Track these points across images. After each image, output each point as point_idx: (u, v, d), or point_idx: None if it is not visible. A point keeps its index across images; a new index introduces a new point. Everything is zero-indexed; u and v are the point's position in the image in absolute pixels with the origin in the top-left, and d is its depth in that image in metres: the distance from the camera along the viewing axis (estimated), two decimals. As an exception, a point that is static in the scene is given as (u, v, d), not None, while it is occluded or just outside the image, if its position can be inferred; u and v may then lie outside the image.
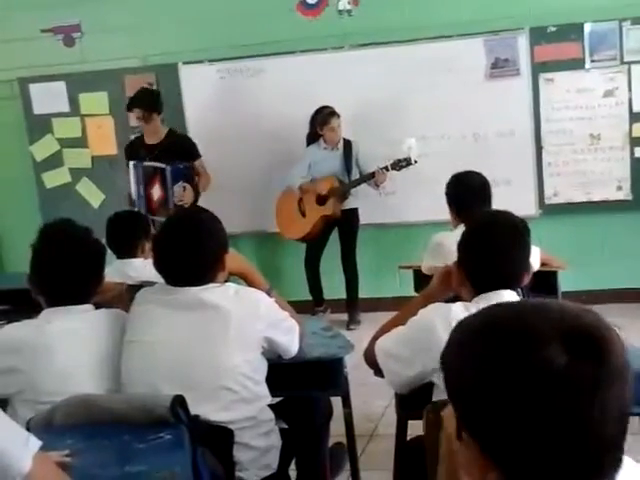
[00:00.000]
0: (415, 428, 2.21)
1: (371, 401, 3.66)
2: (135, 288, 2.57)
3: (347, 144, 5.44)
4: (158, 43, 5.87)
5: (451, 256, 2.16)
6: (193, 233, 2.23)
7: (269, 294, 2.37)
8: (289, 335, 2.34)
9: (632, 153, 5.37)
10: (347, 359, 2.56)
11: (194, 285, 2.19)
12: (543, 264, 3.34)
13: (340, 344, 2.61)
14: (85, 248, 2.27)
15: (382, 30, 5.52)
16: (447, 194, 3.39)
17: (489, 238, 2.05)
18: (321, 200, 5.45)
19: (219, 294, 2.19)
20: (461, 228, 2.62)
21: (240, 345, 2.15)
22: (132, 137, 5.46)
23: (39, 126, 6.15)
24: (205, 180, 5.20)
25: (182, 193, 4.94)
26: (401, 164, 5.19)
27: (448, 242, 2.87)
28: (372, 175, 5.28)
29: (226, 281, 2.30)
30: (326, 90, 5.50)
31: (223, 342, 2.13)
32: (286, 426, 2.35)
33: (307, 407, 2.51)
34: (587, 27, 5.29)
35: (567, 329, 0.87)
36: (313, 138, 5.48)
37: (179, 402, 1.84)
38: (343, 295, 5.65)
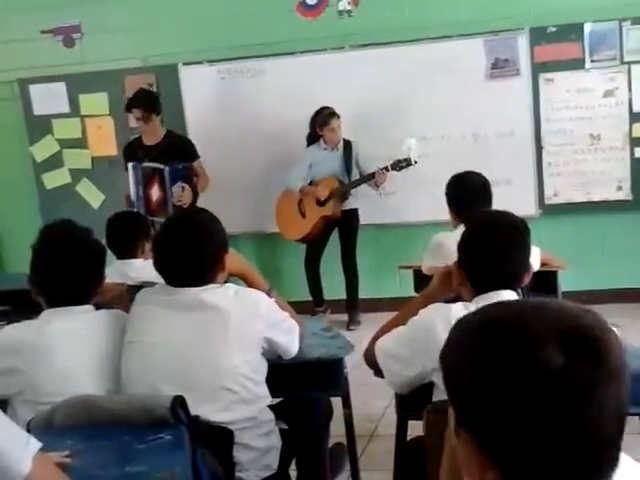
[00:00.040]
0: (415, 428, 2.21)
1: (371, 401, 3.66)
2: (135, 289, 2.57)
3: (347, 144, 5.44)
4: (158, 44, 5.87)
5: (451, 256, 2.17)
6: (193, 233, 2.23)
7: (269, 294, 2.37)
8: (289, 335, 2.34)
9: (632, 153, 5.37)
10: (347, 359, 2.56)
11: (194, 286, 2.19)
12: (543, 264, 3.34)
13: (340, 344, 2.61)
14: (85, 249, 2.27)
15: (382, 30, 5.52)
16: (447, 194, 3.39)
17: (489, 238, 2.05)
18: (321, 201, 5.45)
19: (219, 295, 2.19)
20: (461, 228, 2.62)
21: (240, 346, 2.15)
22: (131, 138, 5.46)
23: (39, 127, 6.15)
24: (204, 181, 5.20)
25: (181, 193, 4.94)
26: (401, 164, 5.19)
27: (448, 242, 2.87)
28: (372, 175, 5.28)
29: (226, 282, 2.30)
30: (326, 91, 5.50)
31: (223, 343, 2.13)
32: (286, 427, 2.35)
33: (307, 407, 2.51)
34: (587, 27, 5.29)
35: (565, 330, 0.87)
36: (313, 139, 5.48)
37: (179, 403, 1.84)
38: (343, 295, 5.65)
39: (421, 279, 3.36)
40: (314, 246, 5.62)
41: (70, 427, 1.87)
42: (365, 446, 3.38)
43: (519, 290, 2.07)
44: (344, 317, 5.60)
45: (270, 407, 2.28)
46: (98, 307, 2.31)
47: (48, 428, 1.88)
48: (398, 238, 5.72)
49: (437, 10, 5.49)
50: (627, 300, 5.26)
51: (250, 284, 2.46)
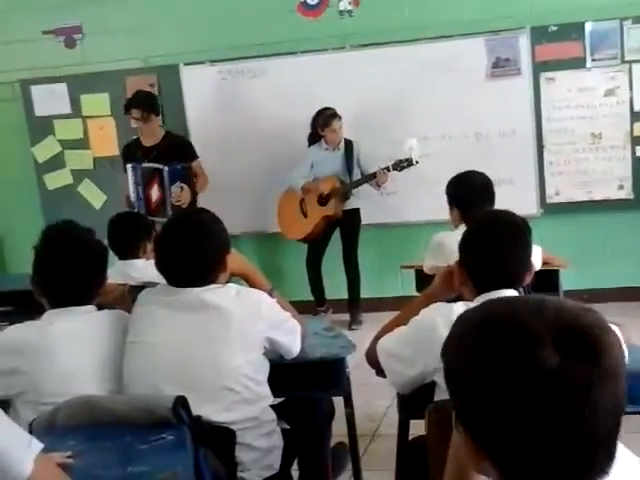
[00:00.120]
0: (417, 428, 2.21)
1: (373, 401, 3.66)
2: (137, 289, 2.57)
3: (348, 144, 5.44)
4: (159, 44, 5.87)
5: (452, 256, 2.16)
6: (195, 234, 2.23)
7: (271, 294, 2.37)
8: (291, 335, 2.34)
9: (633, 152, 5.37)
10: (349, 359, 2.56)
11: (196, 286, 2.19)
12: (545, 263, 3.34)
13: (342, 344, 2.61)
14: (87, 249, 2.27)
15: (383, 30, 5.52)
16: (449, 194, 3.37)
17: (490, 237, 2.05)
18: (323, 200, 5.45)
19: (221, 295, 2.19)
20: (462, 228, 2.61)
21: (242, 346, 2.15)
22: (129, 140, 5.46)
23: (40, 128, 6.16)
24: (203, 181, 5.21)
25: (179, 194, 4.94)
26: (402, 165, 5.19)
27: (449, 242, 2.87)
28: (374, 175, 5.29)
29: (228, 282, 2.30)
30: (327, 91, 5.50)
31: (225, 343, 2.13)
32: (288, 426, 2.35)
33: (309, 407, 2.51)
34: (588, 26, 5.29)
35: (562, 329, 0.88)
36: (314, 139, 5.48)
37: (181, 403, 1.85)
38: (345, 295, 5.65)
39: (423, 279, 3.36)
40: (316, 246, 5.62)
41: (72, 427, 1.87)
42: (367, 446, 3.38)
43: (521, 289, 2.07)
44: (346, 317, 5.60)
45: (272, 407, 2.28)
46: (100, 307, 2.32)
47: (50, 428, 1.88)
48: (400, 238, 5.72)
49: (438, 10, 5.49)
50: (628, 299, 5.26)
51: (252, 284, 2.46)
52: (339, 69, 5.57)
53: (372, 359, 2.20)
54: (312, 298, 5.69)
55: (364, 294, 5.65)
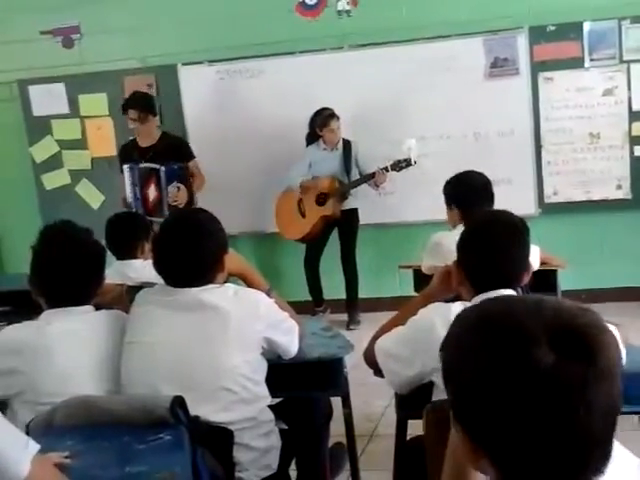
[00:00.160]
0: (415, 428, 2.21)
1: (371, 401, 3.66)
2: (135, 289, 2.57)
3: (347, 144, 5.44)
4: (157, 44, 5.87)
5: (450, 255, 2.16)
6: (192, 234, 2.23)
7: (269, 294, 2.37)
8: (289, 335, 2.34)
9: (632, 152, 5.37)
10: (347, 359, 2.56)
11: (194, 286, 2.19)
12: (543, 263, 3.34)
13: (340, 344, 2.61)
14: (85, 249, 2.27)
15: (381, 30, 5.52)
16: (449, 194, 3.36)
17: (488, 237, 2.05)
18: (321, 200, 5.45)
19: (218, 295, 2.19)
20: (460, 228, 2.62)
21: (240, 346, 2.15)
22: (126, 140, 5.45)
23: (38, 128, 6.15)
24: (199, 181, 5.21)
25: (176, 194, 4.95)
26: (401, 165, 5.19)
27: (447, 242, 2.87)
28: (372, 176, 5.29)
29: (225, 282, 2.30)
30: (325, 90, 5.50)
31: (223, 343, 2.13)
32: (286, 426, 2.35)
33: (307, 407, 2.51)
34: (586, 26, 5.30)
35: (558, 328, 0.88)
36: (312, 139, 5.48)
37: (179, 403, 1.84)
38: (343, 295, 5.65)
39: (421, 279, 3.36)
40: (314, 246, 5.62)
41: (70, 427, 1.87)
42: (365, 446, 3.38)
43: (519, 289, 2.07)
44: (344, 317, 5.60)
45: (270, 407, 2.28)
46: (98, 308, 2.31)
47: (48, 429, 1.88)
48: (398, 238, 5.72)
49: (436, 10, 5.49)
50: (627, 299, 5.27)
51: (250, 284, 2.46)
52: (337, 69, 5.57)
53: (370, 359, 2.20)
54: (310, 298, 5.69)
55: (362, 294, 5.65)
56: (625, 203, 5.42)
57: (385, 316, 2.35)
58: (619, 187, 5.43)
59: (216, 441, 2.04)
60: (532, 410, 0.86)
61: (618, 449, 0.95)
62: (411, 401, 2.19)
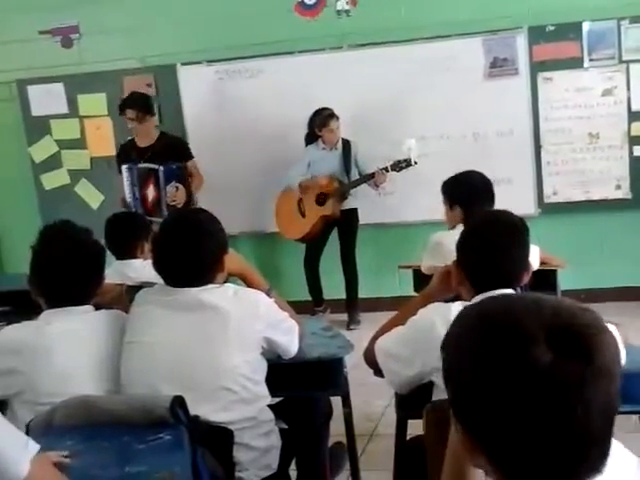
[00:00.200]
0: (415, 428, 2.21)
1: (371, 401, 3.66)
2: (134, 289, 2.57)
3: (346, 144, 5.44)
4: (156, 44, 5.87)
5: (450, 255, 2.16)
6: (192, 234, 2.23)
7: (269, 294, 2.37)
8: (289, 335, 2.34)
9: (631, 152, 5.37)
10: (347, 359, 2.56)
11: (193, 286, 2.19)
12: (542, 263, 3.34)
13: (340, 344, 2.61)
14: (85, 249, 2.27)
15: (380, 30, 5.52)
16: (451, 193, 3.35)
17: (488, 237, 2.05)
18: (320, 200, 5.45)
19: (218, 295, 2.19)
20: (460, 227, 2.62)
21: (239, 345, 2.15)
22: (124, 141, 5.45)
23: (37, 127, 6.15)
24: (198, 181, 5.21)
25: (174, 193, 4.95)
26: (401, 165, 5.19)
27: (447, 241, 2.86)
28: (372, 176, 5.29)
29: (225, 282, 2.30)
30: (324, 90, 5.50)
31: (222, 343, 2.13)
32: (286, 426, 2.35)
33: (307, 407, 2.51)
34: (585, 26, 5.30)
35: (556, 327, 0.89)
36: (312, 139, 5.48)
37: (179, 403, 1.84)
38: (343, 295, 5.65)
39: (420, 278, 3.36)
40: (313, 246, 5.62)
41: (70, 427, 1.87)
42: (365, 445, 3.39)
43: (518, 289, 2.07)
44: (344, 317, 5.60)
45: (270, 407, 2.28)
46: (98, 307, 2.31)
47: (48, 428, 1.87)
48: (397, 237, 5.72)
49: (435, 10, 5.49)
50: (626, 299, 5.27)
51: (250, 284, 2.46)
52: (336, 69, 5.57)
53: (370, 359, 2.20)
54: (310, 298, 5.69)
55: (362, 294, 5.65)
56: (624, 203, 5.43)
57: (385, 316, 2.35)
58: (618, 187, 5.43)
59: (216, 441, 2.04)
60: (530, 408, 0.87)
61: (617, 448, 0.95)
62: (411, 401, 2.19)
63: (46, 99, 6.08)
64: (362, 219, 5.58)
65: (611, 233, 5.50)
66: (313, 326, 2.78)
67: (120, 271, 3.29)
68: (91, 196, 6.15)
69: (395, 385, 2.17)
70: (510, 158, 5.43)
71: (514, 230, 2.07)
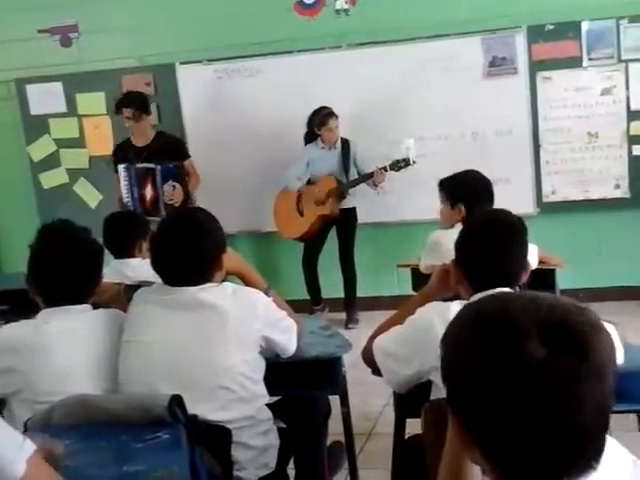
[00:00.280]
0: (413, 427, 2.21)
1: (369, 400, 3.66)
2: (133, 288, 2.57)
3: (345, 143, 5.44)
4: (155, 43, 5.86)
5: (449, 254, 2.16)
6: (190, 233, 2.23)
7: (267, 293, 2.37)
8: (287, 334, 2.34)
9: (630, 151, 5.38)
10: (345, 358, 2.56)
11: (192, 285, 2.19)
12: (541, 262, 3.34)
13: (338, 343, 2.61)
14: (83, 248, 2.27)
15: (379, 29, 5.52)
16: (453, 193, 3.34)
17: (487, 236, 2.05)
18: (319, 203, 5.45)
19: (217, 294, 2.19)
20: (459, 226, 2.62)
21: (238, 344, 2.15)
22: (123, 139, 5.45)
23: (36, 127, 6.14)
24: (195, 180, 5.21)
25: (172, 192, 4.95)
26: (400, 165, 5.19)
27: (446, 240, 2.86)
28: (370, 175, 5.29)
29: (224, 281, 2.30)
30: (324, 90, 5.50)
31: (221, 342, 2.13)
32: (284, 425, 2.35)
33: (305, 406, 2.51)
34: (584, 25, 5.30)
35: (549, 323, 0.89)
36: (311, 138, 5.48)
37: (177, 402, 1.84)
38: (341, 294, 5.65)
39: (419, 277, 3.36)
40: (312, 245, 5.62)
41: (68, 426, 1.87)
42: (363, 444, 3.38)
43: (517, 288, 2.07)
44: (342, 316, 5.60)
45: (268, 406, 2.28)
46: (96, 306, 2.31)
47: (46, 427, 1.87)
48: (396, 237, 5.72)
49: (434, 9, 5.49)
50: (625, 298, 5.27)
51: (248, 283, 2.46)
52: (335, 68, 5.57)
53: (368, 358, 2.20)
54: (308, 297, 5.69)
55: (360, 293, 5.65)
56: (623, 202, 5.43)
57: (383, 315, 2.35)
58: (617, 186, 5.43)
59: (214, 440, 2.03)
60: (523, 403, 0.88)
61: (613, 446, 0.96)
62: (409, 400, 2.19)
63: (45, 98, 6.07)
64: (361, 218, 5.58)
65: (610, 232, 5.50)
66: (311, 325, 2.78)
67: (118, 270, 3.29)
68: (89, 195, 6.15)
69: (393, 384, 2.17)
70: (509, 157, 5.43)
71: (513, 229, 2.07)
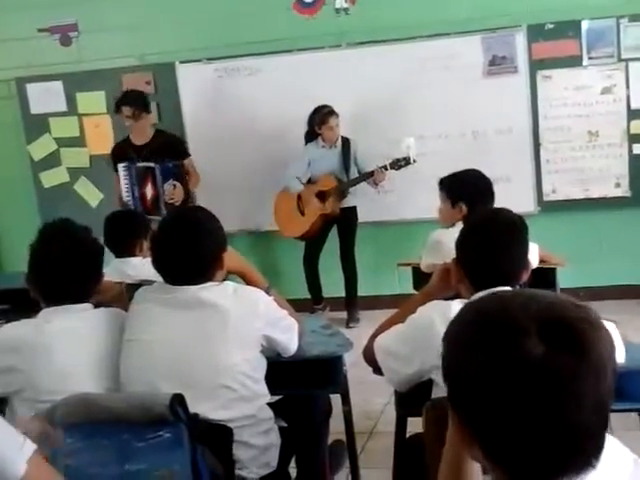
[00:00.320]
0: (414, 425, 2.21)
1: (370, 399, 3.66)
2: (134, 287, 2.57)
3: (345, 142, 5.44)
4: (155, 42, 5.86)
5: (450, 253, 2.16)
6: (191, 232, 2.23)
7: (268, 292, 2.37)
8: (288, 333, 2.34)
9: (630, 150, 5.37)
10: (346, 357, 2.56)
11: (193, 284, 2.19)
12: (542, 261, 3.34)
13: (339, 342, 2.61)
14: (84, 247, 2.27)
15: (379, 28, 5.52)
16: (455, 191, 3.34)
17: (487, 235, 2.05)
18: (320, 198, 5.45)
19: (218, 293, 2.19)
20: (459, 225, 2.62)
21: (239, 343, 2.15)
22: (122, 138, 5.44)
23: (36, 126, 6.14)
24: (195, 179, 5.21)
25: (172, 191, 4.95)
26: (400, 163, 5.19)
27: (446, 239, 2.86)
28: (371, 174, 5.29)
29: (224, 280, 2.30)
30: (324, 89, 5.49)
31: (222, 341, 2.13)
32: (285, 424, 2.35)
33: (306, 405, 2.51)
34: (585, 24, 5.29)
35: (547, 320, 0.90)
36: (311, 137, 5.48)
37: (178, 400, 1.84)
38: (342, 293, 5.65)
39: (420, 276, 3.36)
40: (313, 244, 5.62)
41: (69, 425, 1.87)
42: (364, 443, 3.39)
43: (517, 287, 2.07)
44: (343, 315, 5.60)
45: (269, 405, 2.28)
46: (97, 305, 2.31)
47: (47, 426, 1.88)
48: (397, 235, 5.72)
49: (434, 7, 5.48)
50: (625, 296, 5.27)
51: (249, 282, 2.46)
52: (335, 67, 5.57)
53: (369, 357, 2.20)
54: (309, 296, 5.69)
55: (361, 292, 5.65)
56: (624, 201, 5.43)
57: (384, 314, 2.35)
58: (618, 185, 5.43)
59: (215, 439, 2.04)
60: (522, 400, 0.88)
61: (613, 445, 0.96)
62: (410, 399, 2.19)
63: (45, 97, 6.07)
64: (361, 217, 5.58)
65: (610, 231, 5.50)
66: (312, 324, 2.78)
67: (119, 269, 3.29)
68: (90, 194, 6.15)
69: (394, 383, 2.17)
70: (509, 156, 5.43)
71: (513, 228, 2.07)
